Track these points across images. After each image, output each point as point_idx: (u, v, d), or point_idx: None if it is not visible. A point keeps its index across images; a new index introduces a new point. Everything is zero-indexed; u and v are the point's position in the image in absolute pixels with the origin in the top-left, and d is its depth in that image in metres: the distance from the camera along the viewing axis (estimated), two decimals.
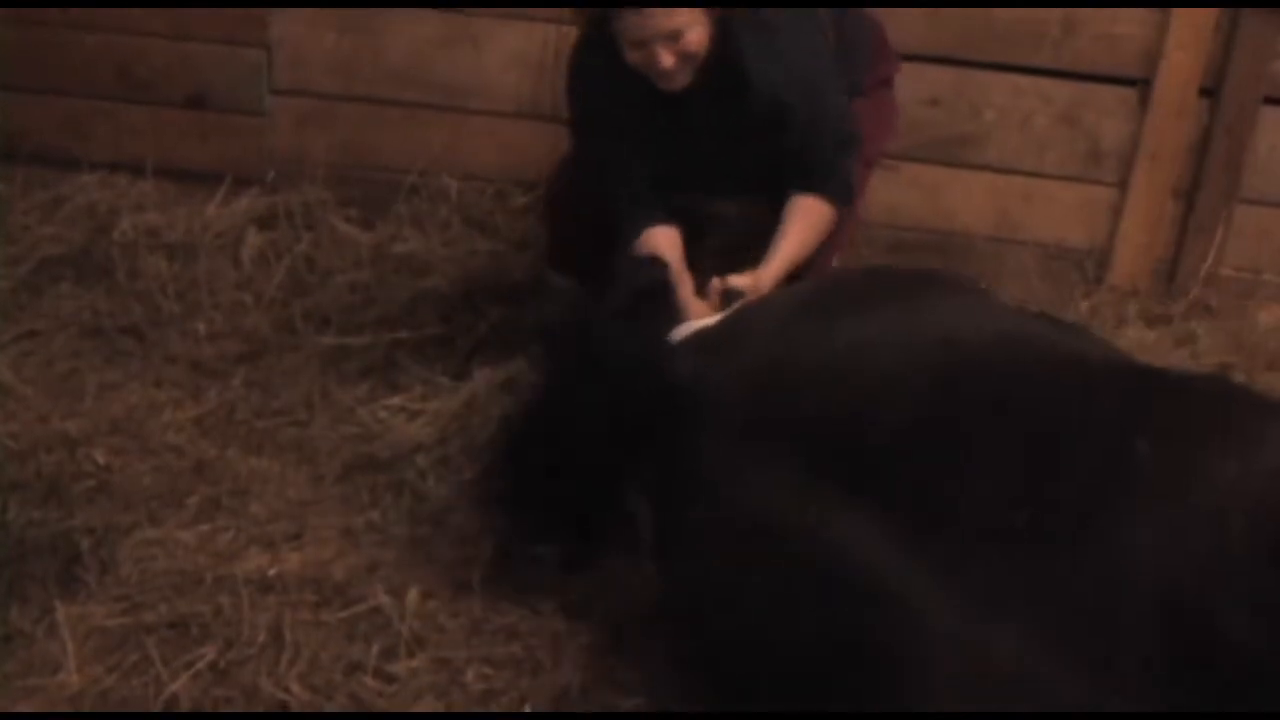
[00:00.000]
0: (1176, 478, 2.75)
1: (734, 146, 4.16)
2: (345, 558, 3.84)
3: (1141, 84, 5.17)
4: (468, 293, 4.92)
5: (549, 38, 5.16)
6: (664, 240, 4.09)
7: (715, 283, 3.94)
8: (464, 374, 4.57)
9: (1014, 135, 5.25)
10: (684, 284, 3.99)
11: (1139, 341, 4.93)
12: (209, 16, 5.36)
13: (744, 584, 3.10)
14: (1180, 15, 5.05)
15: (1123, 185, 5.27)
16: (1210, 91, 5.16)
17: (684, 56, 3.89)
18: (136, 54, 5.45)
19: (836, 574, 2.93)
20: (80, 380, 4.51)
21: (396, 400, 4.47)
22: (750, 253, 4.11)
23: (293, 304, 4.89)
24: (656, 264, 3.94)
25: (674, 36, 3.85)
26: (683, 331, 3.77)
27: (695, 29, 3.88)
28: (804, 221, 4.10)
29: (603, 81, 4.10)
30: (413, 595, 3.70)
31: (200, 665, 3.42)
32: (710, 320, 3.78)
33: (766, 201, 4.20)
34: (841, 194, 4.14)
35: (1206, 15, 5.05)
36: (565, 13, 4.99)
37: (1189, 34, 5.07)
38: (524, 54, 5.25)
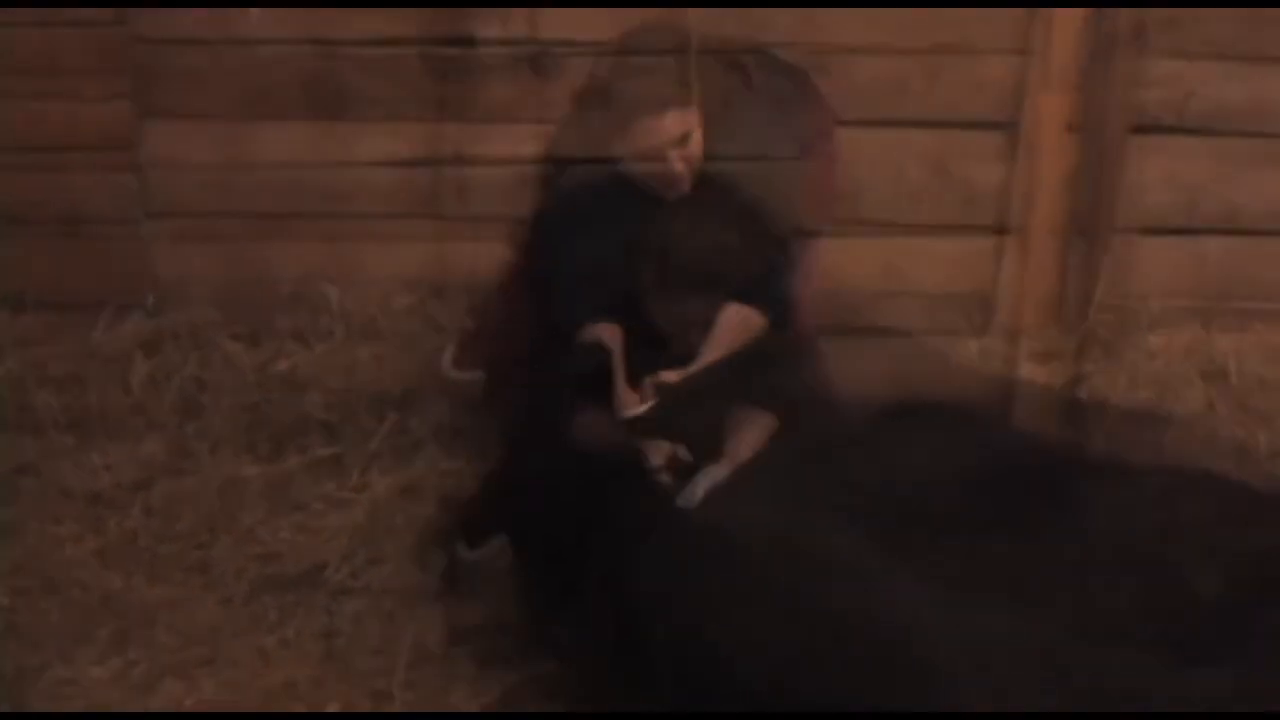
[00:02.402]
0: None
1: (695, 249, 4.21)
2: (261, 679, 3.83)
3: (1009, 126, 5.22)
4: (356, 403, 4.88)
5: (415, 136, 5.18)
6: (606, 332, 4.13)
7: (647, 378, 3.97)
8: (362, 485, 4.58)
9: (888, 188, 5.27)
10: (619, 373, 4.02)
11: (1033, 381, 4.96)
12: (77, 143, 5.31)
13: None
14: (1043, 54, 5.10)
15: (1000, 229, 5.32)
16: (1079, 127, 5.22)
17: (689, 161, 4.03)
18: (5, 186, 5.40)
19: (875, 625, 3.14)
20: None
21: (298, 517, 4.45)
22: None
23: (185, 427, 4.84)
24: (601, 350, 4.01)
25: (683, 141, 4.00)
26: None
27: (697, 131, 4.03)
28: (735, 330, 4.13)
29: (574, 222, 4.19)
30: (332, 709, 3.68)
31: None
32: (640, 409, 3.84)
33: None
34: (776, 310, 4.20)
35: (1070, 51, 5.10)
36: (432, 112, 5.02)
37: (1053, 72, 5.12)
38: (394, 153, 5.24)
